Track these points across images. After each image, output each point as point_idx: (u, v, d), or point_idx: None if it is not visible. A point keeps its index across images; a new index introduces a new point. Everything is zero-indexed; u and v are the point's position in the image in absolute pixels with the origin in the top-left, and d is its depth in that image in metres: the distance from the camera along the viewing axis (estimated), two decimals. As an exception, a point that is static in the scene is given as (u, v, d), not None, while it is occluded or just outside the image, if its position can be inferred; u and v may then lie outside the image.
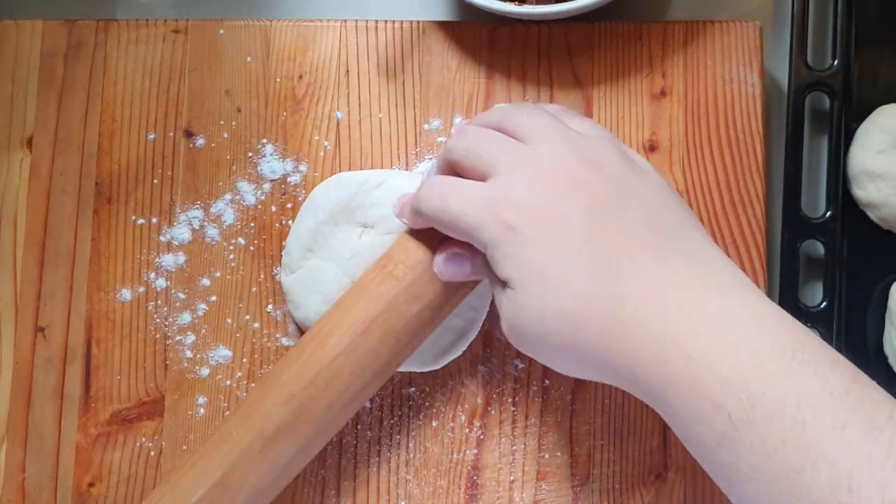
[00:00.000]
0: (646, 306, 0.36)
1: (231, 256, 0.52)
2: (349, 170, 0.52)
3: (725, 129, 0.51)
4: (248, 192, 0.52)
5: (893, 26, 0.53)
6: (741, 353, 0.34)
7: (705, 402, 0.34)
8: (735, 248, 0.50)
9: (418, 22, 0.53)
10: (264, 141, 0.53)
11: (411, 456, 0.50)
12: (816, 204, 0.54)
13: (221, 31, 0.54)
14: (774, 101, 0.54)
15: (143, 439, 0.51)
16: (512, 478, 0.50)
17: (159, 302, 0.52)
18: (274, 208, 0.52)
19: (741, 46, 0.52)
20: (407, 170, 0.52)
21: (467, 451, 0.50)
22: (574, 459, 0.50)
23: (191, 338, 0.51)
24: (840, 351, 0.50)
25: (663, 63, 0.52)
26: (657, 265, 0.37)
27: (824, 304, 0.51)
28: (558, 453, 0.50)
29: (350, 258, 0.48)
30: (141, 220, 0.52)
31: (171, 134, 0.53)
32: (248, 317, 0.51)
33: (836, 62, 0.52)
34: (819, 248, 0.52)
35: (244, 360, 0.51)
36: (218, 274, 0.52)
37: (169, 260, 0.52)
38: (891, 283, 0.51)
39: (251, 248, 0.52)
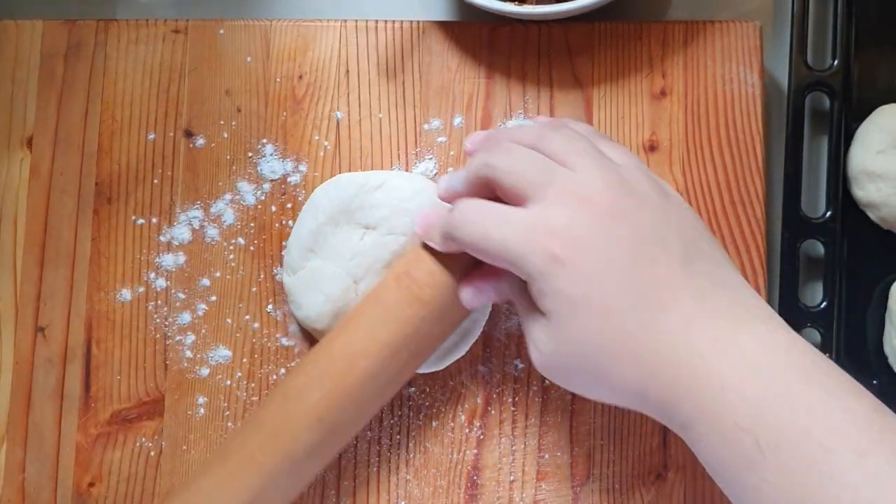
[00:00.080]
0: (683, 341, 0.37)
1: (231, 256, 0.52)
2: (349, 170, 0.52)
3: (725, 129, 0.51)
4: (248, 192, 0.52)
5: (893, 26, 0.53)
6: (771, 382, 0.35)
7: (734, 428, 0.35)
8: (735, 248, 0.50)
9: (418, 22, 0.53)
10: (264, 141, 0.53)
11: (411, 456, 0.50)
12: (816, 204, 0.54)
13: (221, 31, 0.54)
14: (774, 101, 0.54)
15: (143, 439, 0.51)
16: (512, 478, 0.50)
17: (159, 302, 0.52)
18: (274, 208, 0.52)
19: (741, 46, 0.52)
20: (407, 170, 0.52)
21: (467, 451, 0.50)
22: (574, 459, 0.50)
23: (191, 338, 0.51)
24: (840, 351, 0.51)
25: (663, 63, 0.52)
26: (695, 300, 0.38)
27: (824, 304, 0.51)
28: (558, 453, 0.50)
29: (351, 259, 0.48)
30: (141, 220, 0.52)
31: (171, 134, 0.53)
32: (248, 317, 0.51)
33: (836, 62, 0.52)
34: (819, 248, 0.52)
35: (244, 360, 0.51)
36: (218, 274, 0.52)
37: (169, 260, 0.52)
38: (891, 283, 0.51)
39: (251, 248, 0.52)
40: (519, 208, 0.40)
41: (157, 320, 0.52)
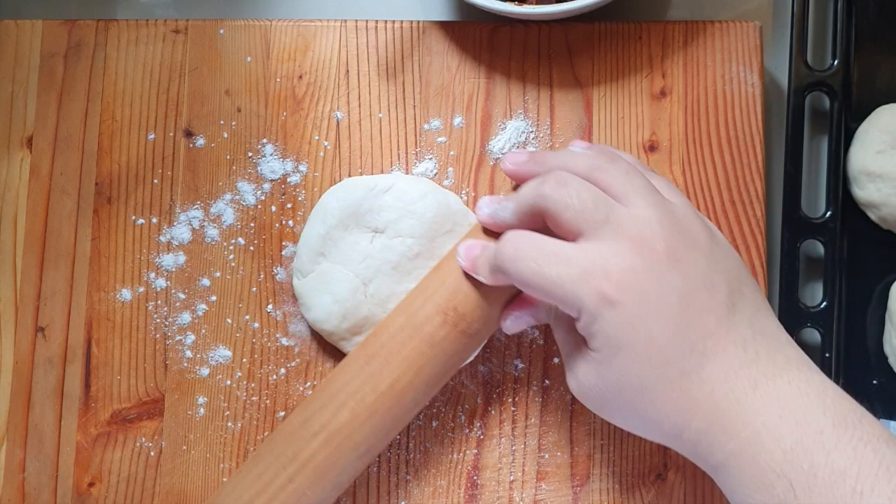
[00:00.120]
0: (722, 388, 0.38)
1: (231, 256, 0.52)
2: (349, 170, 0.52)
3: (725, 129, 0.51)
4: (248, 192, 0.52)
5: (893, 26, 0.53)
6: (805, 427, 0.36)
7: (768, 472, 0.36)
8: (735, 248, 0.50)
9: (418, 22, 0.53)
10: (264, 141, 0.53)
11: (411, 456, 0.50)
12: (816, 204, 0.54)
13: (221, 31, 0.54)
14: (774, 101, 0.54)
15: (143, 439, 0.51)
16: (512, 478, 0.50)
17: (159, 302, 0.52)
18: (274, 208, 0.52)
19: (741, 46, 0.52)
20: (407, 170, 0.52)
21: (467, 451, 0.50)
22: (574, 459, 0.50)
23: (191, 338, 0.51)
24: (840, 351, 0.51)
25: (663, 63, 0.52)
26: (737, 349, 0.38)
27: (824, 304, 0.51)
28: (558, 453, 0.50)
29: (361, 262, 0.49)
30: (141, 220, 0.52)
31: (171, 134, 0.53)
32: (247, 317, 0.51)
33: (836, 62, 0.52)
34: (819, 248, 0.52)
35: (244, 360, 0.51)
36: (218, 274, 0.52)
37: (169, 260, 0.52)
38: (891, 283, 0.51)
39: (251, 248, 0.52)
40: (573, 245, 0.40)
41: (157, 320, 0.52)
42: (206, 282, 0.52)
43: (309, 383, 0.51)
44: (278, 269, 0.52)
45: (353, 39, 0.53)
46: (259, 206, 0.52)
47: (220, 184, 0.53)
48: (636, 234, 0.39)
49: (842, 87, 0.52)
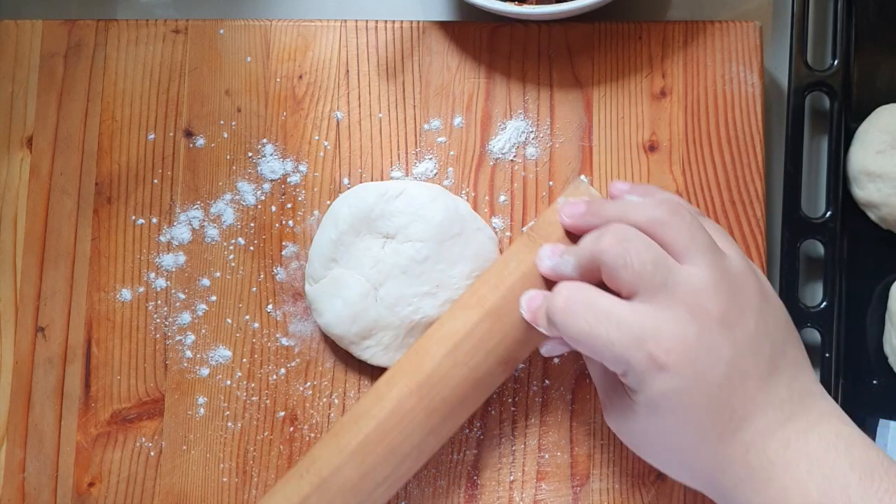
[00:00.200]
0: (756, 448, 0.39)
1: (231, 256, 0.52)
2: (349, 169, 0.52)
3: (725, 129, 0.51)
4: (248, 192, 0.52)
5: (893, 26, 0.53)
6: (832, 482, 0.37)
7: None
8: (735, 248, 0.50)
9: (418, 22, 0.53)
10: (264, 141, 0.53)
11: (411, 456, 0.50)
12: (816, 204, 0.54)
13: (221, 31, 0.54)
14: (774, 101, 0.54)
15: (143, 439, 0.51)
16: (512, 478, 0.50)
17: (159, 302, 0.52)
18: (274, 208, 0.52)
19: (741, 46, 0.52)
20: (407, 170, 0.52)
21: (467, 451, 0.50)
22: (574, 459, 0.50)
23: (191, 338, 0.51)
24: (840, 351, 0.51)
25: (663, 63, 0.52)
26: (774, 410, 0.39)
27: (824, 304, 0.51)
28: (558, 453, 0.50)
29: (372, 267, 0.49)
30: (141, 220, 0.52)
31: (171, 134, 0.53)
32: (247, 317, 0.51)
33: (836, 62, 0.52)
34: (819, 248, 0.52)
35: (244, 360, 0.51)
36: (218, 274, 0.52)
37: (169, 260, 0.52)
38: (891, 283, 0.51)
39: (251, 248, 0.52)
40: (627, 304, 0.39)
41: (157, 320, 0.52)
42: (206, 282, 0.52)
43: (309, 383, 0.51)
44: (278, 269, 0.52)
45: (353, 39, 0.53)
46: (259, 206, 0.52)
47: (220, 184, 0.53)
48: (692, 301, 0.39)
49: (842, 87, 0.52)
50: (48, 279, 0.52)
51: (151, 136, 0.53)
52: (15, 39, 0.54)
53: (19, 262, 0.52)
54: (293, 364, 0.51)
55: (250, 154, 0.53)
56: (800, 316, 0.50)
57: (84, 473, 0.51)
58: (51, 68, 0.54)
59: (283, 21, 0.54)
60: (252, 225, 0.52)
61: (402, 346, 0.49)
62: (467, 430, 0.50)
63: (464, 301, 0.46)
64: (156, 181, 0.53)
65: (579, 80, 0.52)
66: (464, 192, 0.52)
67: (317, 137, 0.53)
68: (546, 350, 0.45)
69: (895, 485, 0.37)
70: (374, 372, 0.51)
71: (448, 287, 0.49)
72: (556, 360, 0.50)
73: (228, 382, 0.51)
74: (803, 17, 0.52)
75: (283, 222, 0.52)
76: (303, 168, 0.52)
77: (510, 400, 0.50)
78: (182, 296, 0.52)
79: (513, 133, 0.52)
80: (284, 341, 0.51)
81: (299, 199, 0.52)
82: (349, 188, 0.52)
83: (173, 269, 0.52)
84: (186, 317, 0.52)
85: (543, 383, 0.50)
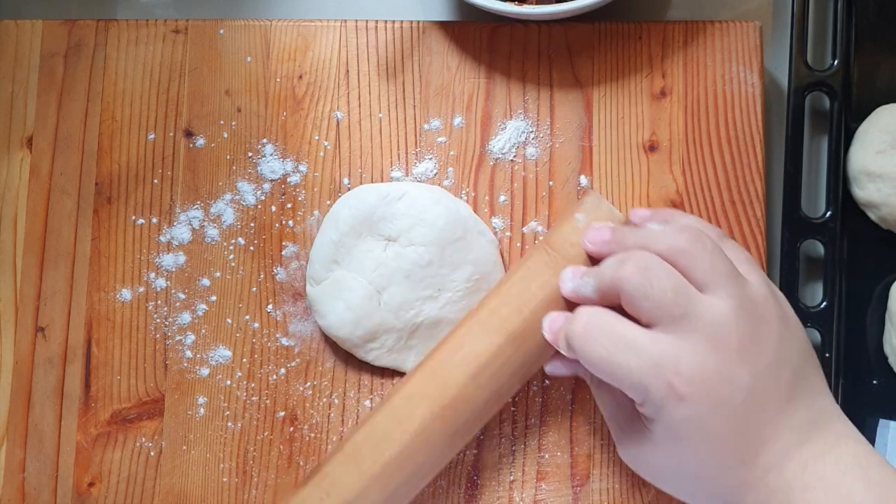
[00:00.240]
0: (774, 471, 0.39)
1: (231, 256, 0.52)
2: (349, 169, 0.52)
3: (725, 129, 0.51)
4: (248, 192, 0.52)
5: (893, 26, 0.53)
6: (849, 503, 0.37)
7: None
8: (735, 248, 0.50)
9: (418, 22, 0.53)
10: (264, 141, 0.53)
11: (411, 456, 0.50)
12: (816, 204, 0.54)
13: (221, 31, 0.54)
14: (774, 101, 0.54)
15: (143, 439, 0.51)
16: (512, 478, 0.50)
17: (159, 302, 0.52)
18: (274, 208, 0.52)
19: (741, 46, 0.52)
20: (407, 170, 0.52)
21: (467, 451, 0.50)
22: (574, 459, 0.50)
23: (191, 338, 0.51)
24: (840, 351, 0.51)
25: (663, 63, 0.52)
26: (793, 433, 0.39)
27: (824, 304, 0.51)
28: (558, 453, 0.50)
29: (375, 270, 0.49)
30: (141, 220, 0.52)
31: (171, 134, 0.53)
32: (247, 317, 0.51)
33: (836, 62, 0.52)
34: (819, 248, 0.52)
35: (244, 360, 0.51)
36: (218, 274, 0.52)
37: (169, 260, 0.52)
38: (891, 283, 0.51)
39: (251, 248, 0.52)
40: (647, 332, 0.39)
41: (157, 320, 0.52)
42: (206, 282, 0.52)
43: (309, 383, 0.51)
44: (278, 269, 0.52)
45: (353, 39, 0.53)
46: (259, 206, 0.52)
47: (220, 184, 0.53)
48: (712, 332, 0.39)
49: (842, 87, 0.52)
50: (48, 279, 0.52)
51: (151, 136, 0.53)
52: (15, 39, 0.54)
53: (19, 262, 0.52)
54: (293, 364, 0.51)
55: (250, 154, 0.53)
56: (800, 316, 0.50)
57: (84, 473, 0.51)
58: (51, 68, 0.54)
59: (283, 21, 0.54)
60: (252, 225, 0.52)
61: (405, 347, 0.49)
62: (467, 430, 0.50)
63: (483, 320, 0.45)
64: (156, 181, 0.53)
65: (579, 80, 0.52)
66: (464, 192, 0.52)
67: (317, 137, 0.53)
68: (550, 369, 0.46)
69: None
70: (373, 372, 0.51)
71: (449, 290, 0.49)
72: (546, 382, 0.50)
73: (228, 382, 0.51)
74: (803, 17, 0.52)
75: (283, 222, 0.52)
76: (303, 168, 0.52)
77: (510, 400, 0.50)
78: (182, 296, 0.52)
79: (513, 133, 0.52)
80: (284, 341, 0.51)
81: (299, 199, 0.52)
82: (349, 188, 0.52)
83: (173, 269, 0.52)
84: (186, 317, 0.52)
85: (543, 383, 0.50)
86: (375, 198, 0.50)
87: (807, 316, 0.50)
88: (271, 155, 0.52)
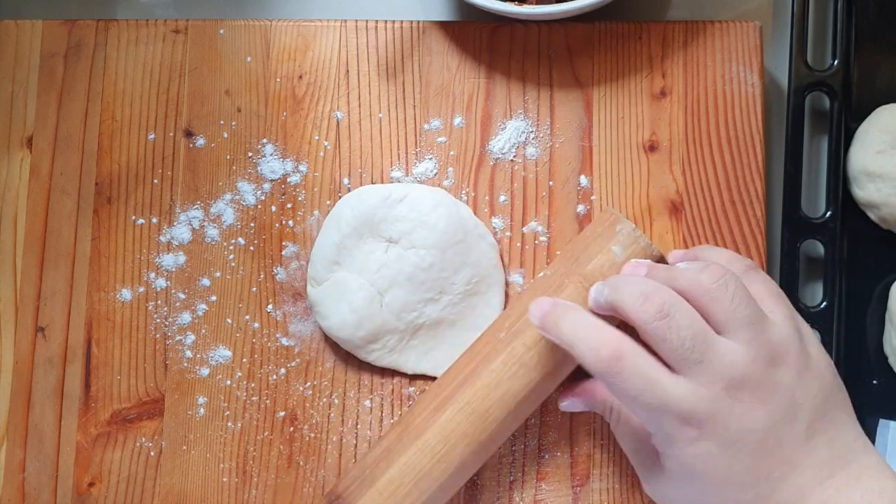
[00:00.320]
0: None
1: (231, 256, 0.52)
2: (349, 169, 0.52)
3: (725, 129, 0.51)
4: (248, 192, 0.52)
5: (893, 26, 0.53)
6: None
7: None
8: (735, 249, 0.50)
9: (418, 22, 0.53)
10: (264, 141, 0.53)
11: (411, 456, 0.50)
12: (816, 204, 0.54)
13: (221, 31, 0.54)
14: (774, 101, 0.54)
15: (143, 439, 0.51)
16: (512, 478, 0.50)
17: (159, 302, 0.52)
18: (274, 208, 0.52)
19: (741, 46, 0.52)
20: (407, 170, 0.52)
21: (467, 451, 0.50)
22: (574, 459, 0.50)
23: (191, 338, 0.51)
24: (840, 351, 0.51)
25: (663, 63, 0.52)
26: (813, 469, 0.39)
27: (824, 304, 0.51)
28: (558, 453, 0.50)
29: (377, 271, 0.49)
30: (141, 220, 0.52)
31: (171, 134, 0.53)
32: (247, 317, 0.51)
33: (836, 62, 0.52)
34: (819, 248, 0.52)
35: (244, 360, 0.51)
36: (218, 274, 0.52)
37: (169, 260, 0.52)
38: (891, 283, 0.51)
39: (251, 248, 0.52)
40: (668, 375, 0.40)
41: (157, 320, 0.52)
42: (206, 282, 0.52)
43: (309, 383, 0.51)
44: (278, 269, 0.52)
45: (353, 39, 0.53)
46: (259, 206, 0.52)
47: (220, 184, 0.53)
48: (727, 377, 0.39)
49: (842, 87, 0.52)
50: (48, 279, 0.52)
51: (151, 136, 0.53)
52: (15, 39, 0.54)
53: (19, 262, 0.52)
54: (293, 364, 0.51)
55: (250, 154, 0.53)
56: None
57: (84, 473, 0.51)
58: (51, 68, 0.54)
59: (283, 21, 0.54)
60: (252, 225, 0.52)
61: (406, 347, 0.49)
62: (467, 430, 0.50)
63: (520, 355, 0.45)
64: (156, 181, 0.53)
65: (579, 80, 0.52)
66: (464, 192, 0.52)
67: (317, 137, 0.53)
68: (563, 405, 0.47)
69: None
70: (373, 372, 0.51)
71: (450, 293, 0.49)
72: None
73: (228, 382, 0.51)
74: (803, 17, 0.52)
75: (283, 222, 0.52)
76: (303, 168, 0.52)
77: (510, 400, 0.50)
78: (182, 296, 0.52)
79: (513, 133, 0.52)
80: (284, 341, 0.51)
81: (299, 199, 0.52)
82: (349, 188, 0.52)
83: (173, 269, 0.52)
84: (186, 317, 0.52)
85: (543, 383, 0.50)
86: (377, 199, 0.50)
87: (807, 316, 0.50)
88: (271, 155, 0.52)
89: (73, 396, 0.51)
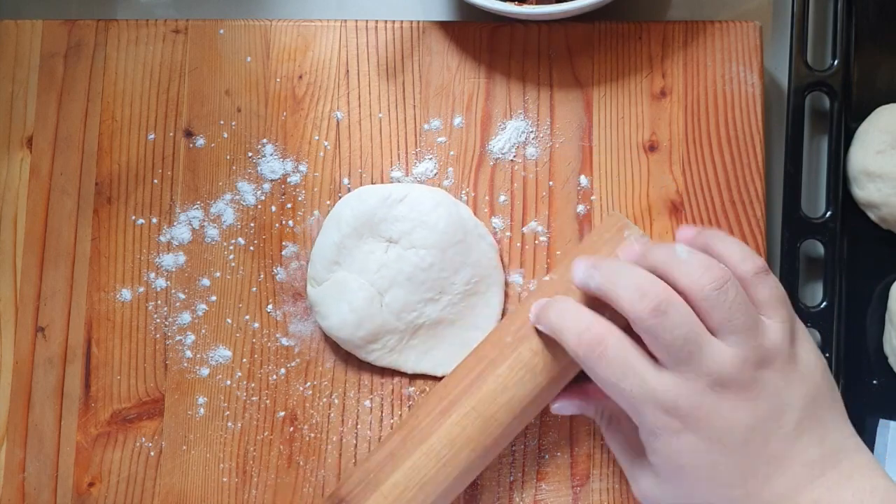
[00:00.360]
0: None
1: (231, 256, 0.52)
2: (349, 169, 0.52)
3: (725, 129, 0.51)
4: (248, 192, 0.52)
5: (893, 26, 0.53)
6: None
7: None
8: (735, 248, 0.50)
9: (418, 22, 0.53)
10: (264, 141, 0.53)
11: (411, 456, 0.50)
12: (816, 204, 0.54)
13: (221, 31, 0.54)
14: (774, 101, 0.54)
15: (143, 439, 0.51)
16: (512, 478, 0.50)
17: (159, 302, 0.52)
18: (274, 208, 0.52)
19: (741, 46, 0.52)
20: (407, 170, 0.52)
21: (467, 451, 0.50)
22: (574, 459, 0.50)
23: (191, 338, 0.51)
24: (840, 351, 0.51)
25: (663, 63, 0.52)
26: (803, 468, 0.39)
27: (824, 304, 0.51)
28: (558, 453, 0.50)
29: (377, 271, 0.49)
30: (141, 220, 0.52)
31: (171, 134, 0.53)
32: (247, 317, 0.51)
33: (836, 62, 0.52)
34: (819, 248, 0.52)
35: (244, 360, 0.51)
36: (218, 274, 0.52)
37: (169, 260, 0.52)
38: (891, 283, 0.51)
39: (251, 248, 0.52)
40: (654, 368, 0.40)
41: (157, 320, 0.52)
42: (206, 282, 0.52)
43: (309, 383, 0.51)
44: (278, 269, 0.52)
45: (353, 39, 0.53)
46: (259, 206, 0.52)
47: (220, 184, 0.53)
48: (715, 377, 0.39)
49: (842, 87, 0.52)
50: (48, 279, 0.52)
51: (151, 136, 0.53)
52: (15, 39, 0.54)
53: (19, 262, 0.52)
54: (293, 364, 0.51)
55: (250, 154, 0.53)
56: (800, 316, 0.50)
57: (84, 473, 0.51)
58: (51, 68, 0.54)
59: (283, 21, 0.54)
60: (252, 225, 0.52)
61: (406, 347, 0.49)
62: (467, 430, 0.50)
63: (526, 360, 0.45)
64: (156, 181, 0.53)
65: (579, 80, 0.52)
66: (464, 192, 0.52)
67: (317, 137, 0.53)
68: (555, 407, 0.47)
69: None
70: (373, 371, 0.51)
71: (450, 293, 0.49)
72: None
73: (228, 382, 0.51)
74: (803, 17, 0.52)
75: (283, 222, 0.52)
76: (303, 168, 0.52)
77: (510, 400, 0.50)
78: (182, 296, 0.52)
79: (513, 133, 0.52)
80: (284, 341, 0.51)
81: (299, 199, 0.52)
82: (349, 188, 0.52)
83: (173, 269, 0.52)
84: (186, 317, 0.52)
85: (543, 383, 0.50)
86: (377, 199, 0.50)
87: (807, 316, 0.50)
88: (271, 155, 0.52)
89: (73, 396, 0.51)
